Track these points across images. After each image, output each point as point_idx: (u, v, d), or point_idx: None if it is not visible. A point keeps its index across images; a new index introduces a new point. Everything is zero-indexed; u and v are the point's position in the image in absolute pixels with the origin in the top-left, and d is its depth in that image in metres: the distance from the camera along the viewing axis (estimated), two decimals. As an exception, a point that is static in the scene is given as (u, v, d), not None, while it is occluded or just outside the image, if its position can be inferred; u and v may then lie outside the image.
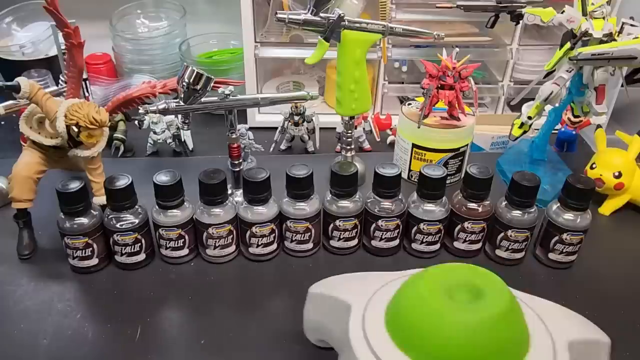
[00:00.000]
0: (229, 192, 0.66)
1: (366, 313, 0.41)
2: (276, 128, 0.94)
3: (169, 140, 0.92)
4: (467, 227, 0.66)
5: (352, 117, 0.75)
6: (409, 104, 0.84)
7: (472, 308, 0.37)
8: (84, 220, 0.62)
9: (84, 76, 0.83)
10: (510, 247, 0.66)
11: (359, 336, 0.39)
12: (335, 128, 0.92)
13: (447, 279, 0.39)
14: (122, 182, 0.61)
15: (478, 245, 0.68)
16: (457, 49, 0.79)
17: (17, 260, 0.67)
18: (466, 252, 0.68)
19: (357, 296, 0.43)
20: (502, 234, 0.66)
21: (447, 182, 0.68)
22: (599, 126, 0.83)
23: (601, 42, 0.69)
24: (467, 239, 0.67)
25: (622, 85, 0.75)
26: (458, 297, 0.38)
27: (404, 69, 1.11)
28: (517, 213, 0.64)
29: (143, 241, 0.64)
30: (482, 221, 0.66)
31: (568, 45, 0.71)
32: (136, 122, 0.89)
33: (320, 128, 0.94)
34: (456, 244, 0.68)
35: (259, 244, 0.66)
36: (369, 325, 0.40)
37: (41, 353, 0.55)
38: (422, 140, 0.80)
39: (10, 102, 0.72)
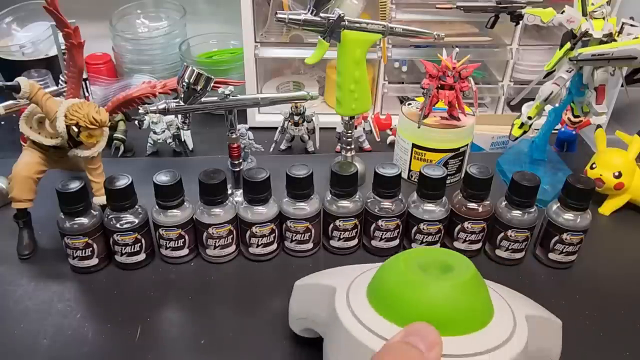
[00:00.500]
0: (229, 192, 0.66)
1: (349, 291, 0.47)
2: (276, 128, 0.94)
3: (169, 140, 0.92)
4: (467, 227, 0.66)
5: (352, 117, 0.75)
6: (409, 104, 0.84)
7: (442, 278, 0.43)
8: (84, 220, 0.62)
9: (84, 76, 0.83)
10: (510, 247, 0.66)
11: (344, 307, 0.45)
12: (335, 128, 0.92)
13: (422, 258, 0.46)
14: (122, 182, 0.61)
15: (478, 245, 0.68)
16: (457, 49, 0.79)
17: (17, 260, 0.67)
18: (466, 252, 0.68)
19: (340, 280, 0.49)
20: (502, 234, 0.66)
21: (447, 182, 0.68)
22: (599, 126, 0.82)
23: (601, 42, 0.69)
24: (467, 239, 0.67)
25: (622, 85, 0.75)
26: (431, 271, 0.44)
27: (404, 69, 1.11)
28: (517, 213, 0.64)
29: (143, 241, 0.64)
30: (482, 221, 0.66)
31: (568, 45, 0.71)
32: (136, 122, 0.89)
33: (320, 128, 0.94)
34: (456, 244, 0.68)
35: (259, 244, 0.66)
36: (353, 299, 0.45)
37: (41, 353, 0.55)
38: (422, 140, 0.80)
39: (10, 102, 0.72)
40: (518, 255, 0.67)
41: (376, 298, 0.44)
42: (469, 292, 0.42)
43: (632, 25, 0.70)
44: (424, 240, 0.67)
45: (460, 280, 0.42)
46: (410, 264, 0.44)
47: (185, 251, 0.66)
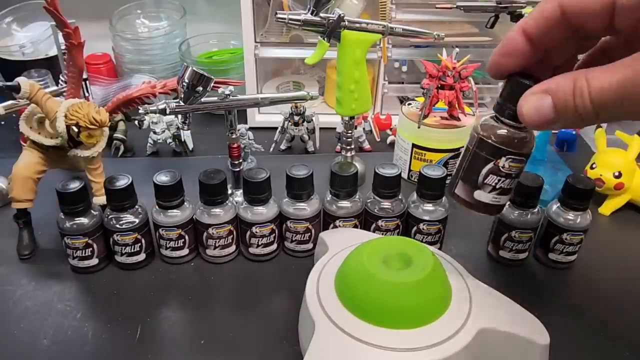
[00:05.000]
0: (229, 192, 0.66)
1: (320, 277, 0.51)
2: (276, 128, 0.93)
3: (169, 140, 0.92)
4: (467, 227, 0.66)
5: (352, 117, 0.75)
6: (409, 104, 0.84)
7: (399, 274, 0.46)
8: (84, 220, 0.62)
9: (84, 76, 0.83)
10: (514, 248, 0.66)
11: (314, 301, 0.48)
12: (335, 128, 0.92)
13: (385, 249, 0.49)
14: (122, 182, 0.61)
15: (478, 245, 0.68)
16: (457, 49, 0.79)
17: (17, 260, 0.67)
18: (466, 252, 0.68)
19: (331, 246, 0.54)
20: (505, 235, 0.66)
21: (447, 182, 0.68)
22: (599, 126, 0.82)
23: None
24: (467, 239, 0.67)
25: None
26: (392, 265, 0.48)
27: (404, 69, 1.11)
28: (520, 214, 0.64)
29: (143, 241, 0.64)
30: (482, 221, 0.66)
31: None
32: (136, 122, 0.89)
33: (320, 128, 0.94)
34: (456, 244, 0.68)
35: (259, 244, 0.66)
36: (322, 288, 0.49)
37: (41, 353, 0.55)
38: (422, 140, 0.80)
39: (10, 102, 0.72)
40: (522, 256, 0.67)
41: (340, 288, 0.48)
42: (421, 289, 0.46)
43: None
44: (424, 241, 0.67)
45: (415, 278, 0.46)
46: (372, 257, 0.47)
47: (185, 251, 0.66)
